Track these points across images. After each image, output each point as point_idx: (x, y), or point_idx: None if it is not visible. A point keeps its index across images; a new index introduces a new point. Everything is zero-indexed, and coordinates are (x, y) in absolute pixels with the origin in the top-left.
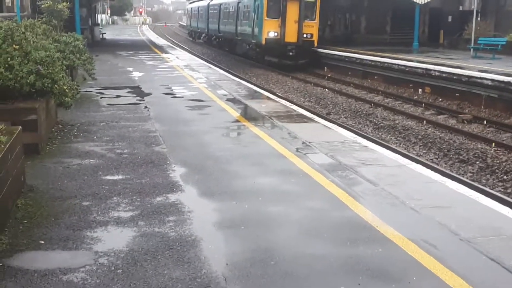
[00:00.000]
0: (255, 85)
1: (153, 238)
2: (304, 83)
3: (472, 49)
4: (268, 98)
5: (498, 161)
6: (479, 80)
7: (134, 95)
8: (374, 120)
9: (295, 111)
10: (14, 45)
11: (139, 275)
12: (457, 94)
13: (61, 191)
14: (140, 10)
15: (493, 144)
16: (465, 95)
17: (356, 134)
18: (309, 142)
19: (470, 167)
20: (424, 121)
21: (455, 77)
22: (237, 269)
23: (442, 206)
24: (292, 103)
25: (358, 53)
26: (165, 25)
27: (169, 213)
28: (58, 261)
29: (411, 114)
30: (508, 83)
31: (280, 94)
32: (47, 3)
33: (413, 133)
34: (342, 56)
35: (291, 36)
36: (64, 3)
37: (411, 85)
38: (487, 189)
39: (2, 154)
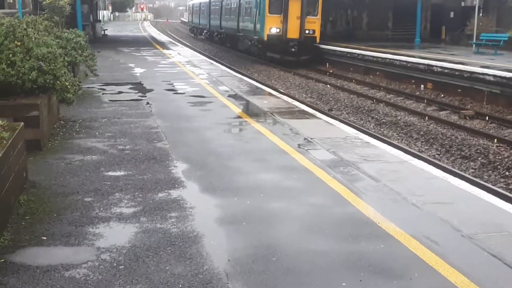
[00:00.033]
0: (256, 81)
1: (155, 234)
2: (306, 79)
3: (474, 45)
4: (270, 94)
5: (500, 157)
6: (481, 76)
7: (136, 91)
8: (376, 116)
9: (297, 107)
10: (16, 42)
11: (141, 271)
12: (459, 90)
13: (63, 187)
14: (142, 6)
15: (495, 140)
16: (467, 91)
17: (358, 130)
18: (311, 138)
19: (472, 163)
20: (426, 117)
21: (457, 73)
22: (239, 265)
23: (444, 202)
24: (294, 99)
25: (360, 49)
26: (167, 21)
27: (171, 209)
28: (60, 257)
29: (413, 110)
30: (510, 78)
31: (282, 90)
32: (49, 0)
33: (415, 129)
34: (344, 52)
35: (293, 32)
36: (66, 0)
37: (413, 81)
38: (489, 185)
39: (4, 150)
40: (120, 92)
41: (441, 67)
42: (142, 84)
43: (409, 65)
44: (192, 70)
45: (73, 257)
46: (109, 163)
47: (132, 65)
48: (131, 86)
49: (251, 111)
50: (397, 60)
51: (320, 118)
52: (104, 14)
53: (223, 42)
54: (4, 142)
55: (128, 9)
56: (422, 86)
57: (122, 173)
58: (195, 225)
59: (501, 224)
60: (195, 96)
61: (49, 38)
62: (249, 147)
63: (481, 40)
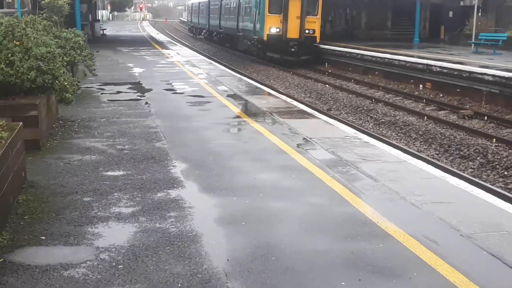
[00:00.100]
0: (255, 81)
1: (154, 234)
2: (304, 79)
3: (473, 45)
4: (269, 94)
5: (498, 157)
6: (480, 76)
7: (135, 91)
8: (375, 116)
9: (296, 107)
10: (15, 41)
11: (140, 270)
12: (458, 90)
13: (62, 187)
14: (141, 6)
15: (494, 139)
16: (466, 90)
17: (357, 130)
18: (310, 138)
19: (471, 163)
20: (425, 117)
21: (456, 73)
22: (238, 265)
23: (443, 202)
24: (293, 99)
25: (359, 49)
26: (166, 21)
27: (170, 209)
28: (60, 256)
29: (412, 110)
30: (509, 78)
31: (281, 90)
32: None
33: (414, 129)
34: (343, 51)
35: (293, 32)
36: None
37: (412, 80)
38: (488, 184)
39: (3, 150)
40: (119, 92)
41: (440, 66)
42: (141, 84)
43: (408, 64)
44: (191, 70)
45: (72, 257)
46: (108, 163)
47: (131, 64)
48: (130, 86)
49: (250, 111)
50: (396, 59)
51: (319, 118)
52: (103, 13)
53: (222, 42)
54: (3, 142)
55: (127, 9)
56: (421, 85)
57: (121, 173)
58: (194, 224)
59: (500, 223)
60: (194, 96)
61: (48, 37)
62: (248, 147)
63: (480, 40)
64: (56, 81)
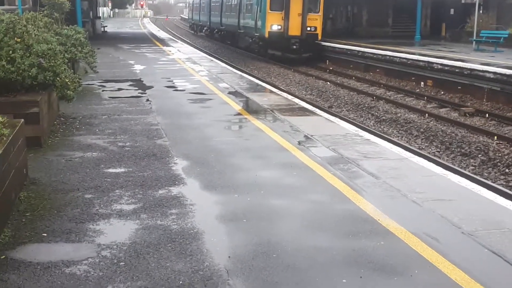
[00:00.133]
0: (257, 78)
1: (156, 231)
2: (305, 76)
3: (474, 42)
4: (270, 91)
5: (500, 154)
6: (481, 73)
7: (136, 88)
8: (376, 113)
9: (297, 104)
10: (16, 38)
11: (142, 267)
12: (459, 87)
13: (64, 183)
14: (141, 3)
15: (495, 137)
16: (467, 88)
17: (358, 127)
18: (311, 135)
19: (472, 160)
20: (426, 114)
21: (457, 70)
22: (239, 262)
23: (444, 199)
24: (294, 96)
25: (360, 46)
26: (167, 18)
27: (171, 206)
28: (61, 253)
29: (413, 107)
30: (510, 76)
31: (282, 87)
32: None
33: (415, 126)
34: (344, 49)
35: (294, 29)
36: None
37: (413, 78)
38: (489, 182)
39: (4, 147)
40: (120, 89)
41: (441, 64)
42: (142, 81)
43: (409, 62)
44: (192, 67)
45: (73, 254)
46: (109, 160)
47: (132, 62)
48: (131, 83)
49: (251, 108)
50: (397, 57)
51: (320, 115)
52: (104, 10)
53: (223, 39)
54: (4, 139)
55: (128, 6)
56: (422, 83)
57: (123, 170)
58: (196, 222)
59: (501, 221)
60: (195, 93)
61: (49, 34)
62: (249, 144)
63: (481, 37)
64: (57, 78)
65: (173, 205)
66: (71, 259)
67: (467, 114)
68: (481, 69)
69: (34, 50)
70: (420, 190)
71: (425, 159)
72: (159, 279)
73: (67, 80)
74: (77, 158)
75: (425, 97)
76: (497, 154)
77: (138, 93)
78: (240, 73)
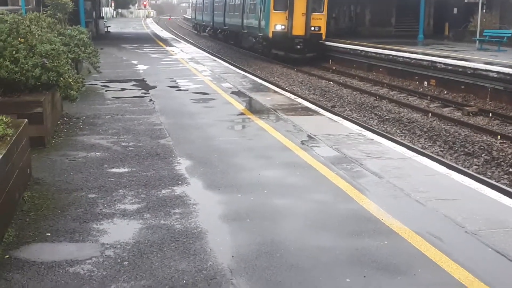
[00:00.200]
0: (259, 78)
1: (159, 231)
2: (308, 76)
3: (477, 41)
4: (273, 91)
5: (503, 154)
6: (484, 73)
7: (139, 88)
8: (379, 113)
9: (300, 104)
10: (19, 38)
11: (146, 267)
12: (462, 87)
13: (67, 183)
14: (144, 3)
15: (499, 136)
16: (470, 87)
17: (361, 127)
18: (314, 135)
19: (475, 160)
20: (430, 114)
21: (460, 70)
22: (243, 261)
23: (448, 199)
24: (297, 96)
25: (363, 46)
26: (169, 18)
27: (174, 206)
28: (65, 253)
29: (416, 107)
30: None
31: (285, 87)
32: None
33: (418, 126)
34: (347, 48)
35: (298, 29)
36: None
37: (416, 77)
38: (493, 181)
39: (8, 147)
40: (123, 89)
41: (444, 63)
42: (145, 81)
43: (412, 61)
44: (195, 67)
45: (77, 253)
46: (112, 159)
47: (135, 62)
48: (134, 83)
49: (254, 108)
50: (400, 56)
51: (323, 115)
52: (107, 11)
53: (226, 39)
54: (8, 139)
55: (131, 6)
56: (426, 82)
57: (126, 169)
58: (199, 221)
59: (505, 220)
60: (198, 93)
61: (53, 35)
62: (252, 144)
63: (484, 37)
64: (61, 78)
65: (177, 204)
66: (75, 259)
67: (470, 114)
68: (484, 68)
69: (37, 50)
70: (423, 189)
71: (428, 158)
72: (162, 279)
73: (70, 80)
74: (80, 158)
75: (428, 97)
76: (500, 154)
77: (142, 93)
78: (243, 73)
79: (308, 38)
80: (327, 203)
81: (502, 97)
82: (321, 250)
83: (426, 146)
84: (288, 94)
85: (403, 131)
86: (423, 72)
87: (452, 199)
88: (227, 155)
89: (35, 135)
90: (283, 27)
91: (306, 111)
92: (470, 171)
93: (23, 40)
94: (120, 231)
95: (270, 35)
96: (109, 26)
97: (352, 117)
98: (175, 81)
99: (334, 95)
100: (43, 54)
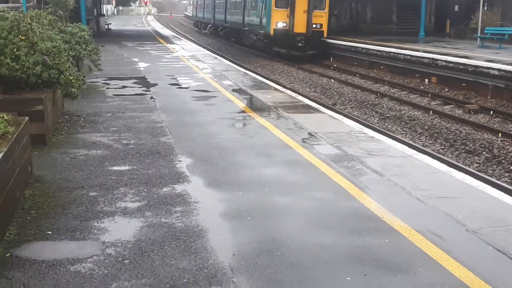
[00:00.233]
0: (260, 75)
1: (160, 229)
2: (309, 73)
3: (478, 39)
4: (274, 88)
5: (504, 152)
6: (485, 70)
7: (140, 86)
8: (380, 111)
9: (301, 101)
10: (20, 36)
11: (146, 265)
12: (463, 84)
13: (68, 181)
14: (145, 0)
15: (500, 134)
16: (471, 85)
17: (362, 125)
18: (315, 133)
19: (476, 158)
20: (431, 112)
21: (461, 67)
22: (243, 259)
23: (449, 197)
24: (298, 93)
25: (364, 43)
26: (170, 15)
27: (175, 204)
28: (66, 251)
29: (417, 104)
30: None
31: (286, 85)
32: None
33: (419, 124)
34: (348, 46)
35: (300, 27)
36: None
37: (417, 75)
38: (494, 179)
39: (9, 145)
40: (124, 87)
41: (445, 61)
42: (146, 78)
43: (413, 59)
44: (196, 64)
45: (78, 252)
46: (113, 157)
47: (136, 59)
48: (135, 80)
49: (255, 106)
50: (401, 54)
51: (324, 113)
52: (107, 8)
53: (228, 36)
54: (9, 136)
55: (131, 3)
56: (427, 80)
57: (127, 167)
58: (200, 219)
59: (506, 218)
60: (199, 90)
61: (54, 32)
62: (253, 141)
63: (485, 34)
64: (62, 76)
65: (178, 202)
66: (76, 257)
67: (471, 111)
68: (485, 66)
69: (38, 48)
70: (424, 187)
71: (429, 156)
72: (163, 277)
73: (71, 78)
74: (81, 156)
75: (429, 94)
76: (501, 151)
77: (142, 90)
78: (244, 70)
79: (309, 35)
80: (328, 201)
81: (504, 95)
82: (322, 248)
83: (427, 144)
84: (289, 92)
85: (404, 129)
86: (424, 70)
87: (453, 197)
88: (228, 153)
89: (36, 133)
90: (284, 24)
91: (307, 109)
92: (471, 169)
93: (24, 37)
94: (121, 229)
95: (272, 32)
96: (110, 24)
97: (353, 115)
98: (176, 78)
99: (335, 93)
100: (44, 52)
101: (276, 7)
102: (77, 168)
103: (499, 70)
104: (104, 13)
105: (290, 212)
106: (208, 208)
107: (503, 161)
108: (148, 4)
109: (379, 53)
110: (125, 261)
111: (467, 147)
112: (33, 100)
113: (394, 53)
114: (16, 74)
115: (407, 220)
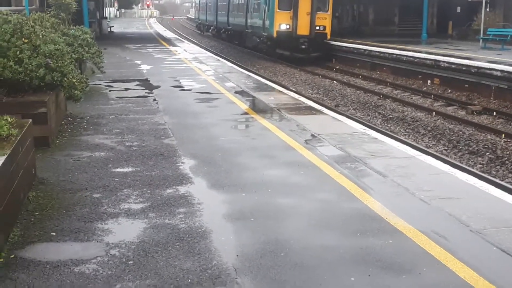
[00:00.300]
0: (263, 77)
1: (164, 230)
2: (312, 75)
3: (481, 40)
4: (277, 90)
5: (508, 152)
6: (488, 71)
7: (143, 88)
8: (383, 112)
9: (304, 103)
10: (23, 39)
11: (150, 266)
12: (466, 85)
13: (72, 183)
14: (148, 3)
15: (503, 135)
16: (474, 86)
17: (365, 126)
18: (318, 134)
19: (480, 159)
20: (433, 113)
21: (464, 68)
22: (247, 260)
23: (452, 198)
24: (300, 95)
25: (366, 45)
26: (173, 18)
27: (179, 205)
28: (70, 252)
29: (420, 106)
30: None
31: (288, 87)
32: None
33: (422, 125)
34: (351, 48)
35: (303, 29)
36: None
37: (420, 76)
38: (497, 180)
39: (13, 147)
40: (127, 89)
41: (448, 62)
42: (149, 80)
43: (416, 60)
44: (198, 66)
45: (82, 253)
46: (117, 159)
47: (138, 62)
48: (138, 82)
49: (257, 108)
50: (403, 55)
51: (327, 114)
52: (110, 11)
53: (230, 39)
54: (13, 139)
55: (134, 6)
56: (429, 81)
57: (130, 169)
58: (203, 220)
59: (510, 219)
60: (202, 92)
61: (56, 35)
62: (256, 143)
63: (488, 35)
64: (65, 78)
65: (181, 204)
66: (80, 258)
67: (474, 112)
68: (488, 67)
69: (41, 50)
70: (427, 188)
71: (432, 157)
72: (167, 278)
73: (74, 81)
74: (85, 158)
75: (432, 96)
76: (505, 152)
77: (145, 93)
78: (246, 72)
79: (313, 37)
80: (331, 202)
81: (506, 96)
82: (325, 249)
83: (430, 145)
84: (291, 94)
85: (407, 130)
86: (426, 71)
87: (456, 197)
88: (231, 155)
89: (40, 135)
90: (287, 26)
91: (310, 110)
92: (474, 170)
93: (27, 40)
94: (125, 231)
95: (275, 34)
96: (113, 26)
97: (356, 116)
98: (179, 80)
99: (337, 94)
100: (47, 54)
101: (279, 9)
102: (81, 170)
103: (501, 71)
104: (107, 15)
105: (293, 213)
106: (212, 210)
107: (507, 161)
108: (150, 6)
109: (381, 54)
110: (129, 262)
111: (470, 148)
112: (36, 103)
113: (396, 54)
114: (19, 76)
115: (411, 221)
